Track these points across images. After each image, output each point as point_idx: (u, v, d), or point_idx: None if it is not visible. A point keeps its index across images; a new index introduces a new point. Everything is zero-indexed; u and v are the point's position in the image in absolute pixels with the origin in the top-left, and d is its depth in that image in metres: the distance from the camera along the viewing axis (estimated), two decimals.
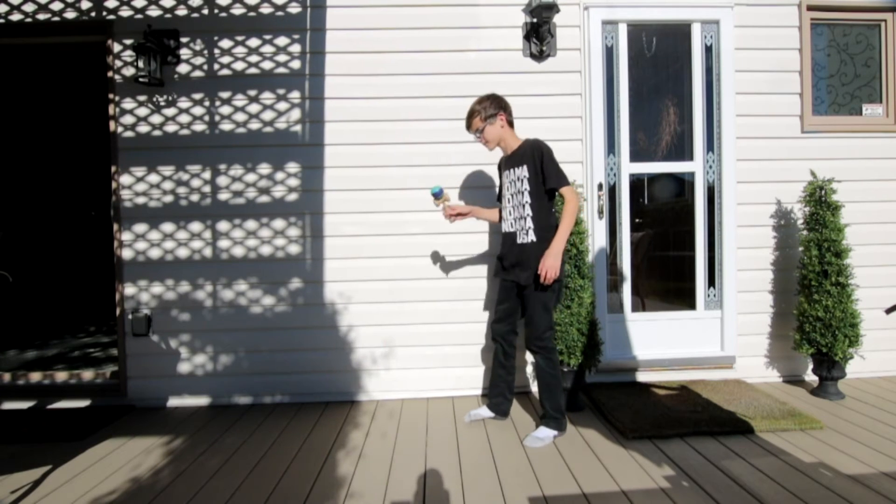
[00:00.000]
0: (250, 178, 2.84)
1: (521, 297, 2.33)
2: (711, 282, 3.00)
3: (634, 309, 3.02)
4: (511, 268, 2.33)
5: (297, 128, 2.86)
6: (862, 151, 3.01)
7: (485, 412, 2.47)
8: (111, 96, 2.83)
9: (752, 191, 2.97)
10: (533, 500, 1.74)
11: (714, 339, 3.00)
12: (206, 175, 2.84)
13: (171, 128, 2.83)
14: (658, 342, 2.98)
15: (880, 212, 3.01)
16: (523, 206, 2.25)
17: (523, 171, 2.25)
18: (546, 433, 2.22)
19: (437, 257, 2.88)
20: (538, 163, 2.21)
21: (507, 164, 2.37)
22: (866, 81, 3.11)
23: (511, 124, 2.36)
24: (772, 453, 2.05)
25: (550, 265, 2.10)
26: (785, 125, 2.99)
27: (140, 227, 2.82)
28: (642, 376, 2.94)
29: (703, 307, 3.00)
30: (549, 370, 2.24)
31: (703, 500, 1.70)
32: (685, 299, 3.04)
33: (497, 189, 2.58)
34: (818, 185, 2.71)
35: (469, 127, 2.35)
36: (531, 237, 2.24)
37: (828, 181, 2.70)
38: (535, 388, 2.90)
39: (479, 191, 2.88)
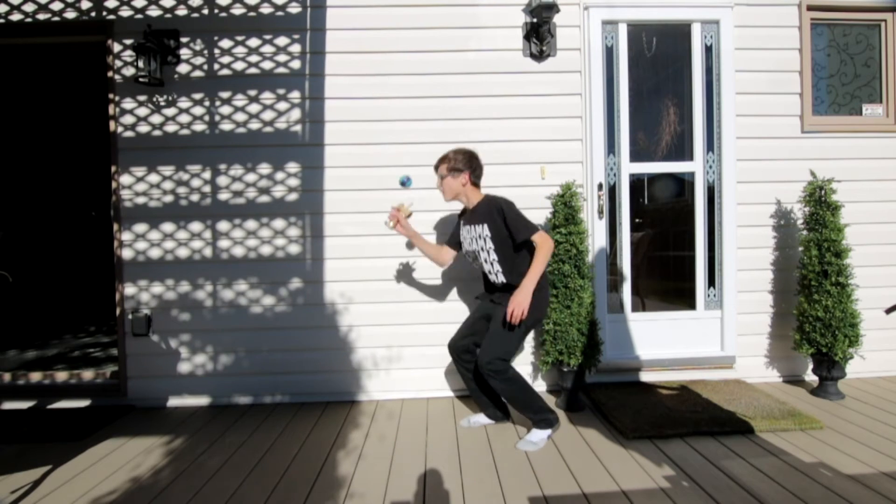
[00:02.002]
0: (250, 177, 2.84)
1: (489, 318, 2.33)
2: (711, 282, 3.00)
3: (634, 309, 3.01)
4: (488, 296, 2.39)
5: (297, 128, 2.86)
6: (862, 151, 3.01)
7: (483, 419, 2.46)
8: (111, 96, 2.83)
9: (752, 191, 2.97)
10: (533, 500, 1.74)
11: (714, 339, 3.00)
12: (206, 175, 2.84)
13: (171, 128, 2.83)
14: (658, 342, 2.98)
15: (880, 212, 3.01)
16: (491, 262, 2.28)
17: (484, 230, 2.25)
18: (539, 436, 2.20)
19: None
20: (499, 221, 2.21)
21: (467, 219, 2.38)
22: (866, 81, 3.11)
23: (476, 184, 2.36)
24: (772, 453, 2.05)
25: (518, 303, 2.09)
26: (785, 125, 2.99)
27: (140, 227, 2.82)
28: (642, 376, 2.94)
29: (703, 307, 3.00)
30: (510, 387, 2.17)
31: (703, 500, 1.71)
32: (685, 299, 3.04)
33: (451, 233, 2.54)
34: (818, 185, 2.71)
35: (436, 168, 2.38)
36: (501, 279, 2.27)
37: (828, 181, 2.70)
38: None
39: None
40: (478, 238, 2.28)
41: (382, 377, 2.88)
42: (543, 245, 2.15)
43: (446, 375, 2.89)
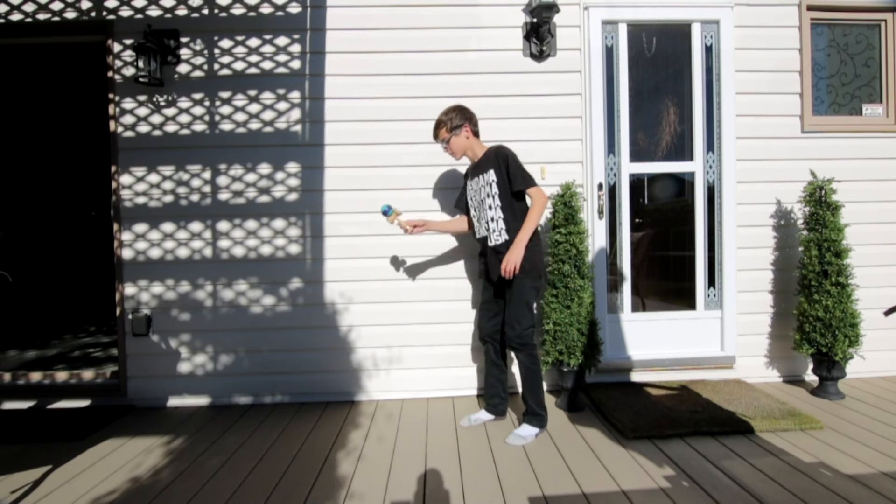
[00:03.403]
0: (250, 177, 2.84)
1: (503, 297, 2.37)
2: (711, 282, 3.00)
3: (634, 309, 3.01)
4: (489, 268, 2.39)
5: (297, 128, 2.86)
6: (862, 151, 3.01)
7: (484, 415, 2.47)
8: (111, 96, 2.83)
9: (752, 191, 2.97)
10: (533, 500, 1.74)
11: (714, 339, 3.00)
12: (206, 175, 2.84)
13: (171, 128, 2.83)
14: (658, 342, 2.98)
15: (880, 212, 3.01)
16: (493, 208, 2.30)
17: (490, 176, 2.30)
18: (528, 431, 2.25)
19: (437, 257, 2.88)
20: (503, 167, 2.27)
21: (473, 171, 2.42)
22: (866, 81, 3.11)
23: (476, 134, 2.41)
24: (772, 453, 2.05)
25: (512, 259, 2.16)
26: (785, 125, 2.99)
27: (140, 227, 2.82)
28: (642, 376, 2.94)
29: (703, 307, 3.00)
30: (532, 366, 2.28)
31: (703, 500, 1.71)
32: (685, 299, 3.04)
33: (458, 195, 2.61)
34: (818, 185, 2.71)
35: (436, 137, 2.41)
36: (504, 237, 2.29)
37: (828, 181, 2.69)
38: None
39: None
40: (484, 185, 2.33)
41: (382, 377, 2.88)
42: (538, 198, 2.23)
43: (446, 376, 2.89)
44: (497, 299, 2.43)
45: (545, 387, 2.92)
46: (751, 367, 3.00)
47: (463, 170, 2.84)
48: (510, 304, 2.29)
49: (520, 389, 2.64)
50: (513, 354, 2.76)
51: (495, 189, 2.29)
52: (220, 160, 2.84)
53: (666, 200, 3.13)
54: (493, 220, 2.31)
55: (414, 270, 2.89)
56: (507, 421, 2.47)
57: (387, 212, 2.42)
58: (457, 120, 2.35)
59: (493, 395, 2.47)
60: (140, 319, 2.80)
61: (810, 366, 2.86)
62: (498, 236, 2.30)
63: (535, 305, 2.33)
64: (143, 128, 2.83)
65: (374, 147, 2.85)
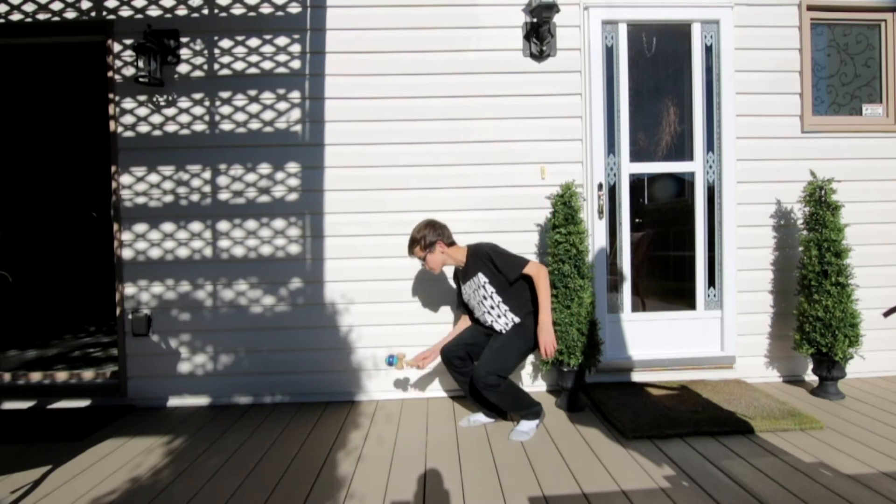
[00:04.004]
0: (250, 177, 2.84)
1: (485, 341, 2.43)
2: (711, 282, 3.00)
3: (634, 309, 3.01)
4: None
5: (298, 128, 2.86)
6: (862, 151, 3.01)
7: (482, 418, 2.47)
8: (111, 96, 2.83)
9: (752, 191, 2.97)
10: (533, 500, 1.74)
11: (714, 339, 3.00)
12: (206, 175, 2.84)
13: (171, 128, 2.83)
14: (658, 342, 2.98)
15: (880, 212, 3.01)
16: (495, 306, 2.36)
17: (481, 279, 2.35)
18: (528, 426, 2.30)
19: None
20: (491, 266, 2.32)
21: (464, 276, 2.46)
22: (866, 81, 3.11)
23: (452, 244, 2.42)
24: (772, 453, 2.05)
25: (548, 340, 2.24)
26: (785, 125, 2.99)
27: (140, 227, 2.82)
28: (642, 376, 2.94)
29: (703, 307, 3.00)
30: (500, 398, 2.27)
31: (703, 500, 1.70)
32: (685, 299, 3.04)
33: (456, 297, 2.63)
34: (818, 185, 2.71)
35: (411, 253, 2.42)
36: (513, 322, 2.35)
37: (828, 181, 2.69)
38: (525, 382, 2.91)
39: (475, 190, 2.88)
40: (479, 288, 2.37)
41: (382, 377, 2.88)
42: (539, 276, 2.27)
43: (446, 376, 2.88)
44: (478, 335, 2.45)
45: (545, 387, 2.93)
46: (751, 367, 3.00)
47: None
48: (497, 344, 2.31)
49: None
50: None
51: (490, 288, 2.34)
52: (220, 160, 2.84)
53: (666, 200, 3.13)
54: (498, 314, 2.36)
55: (414, 270, 2.88)
56: (506, 422, 2.47)
57: (391, 362, 2.48)
58: (430, 237, 2.36)
59: (483, 403, 2.45)
60: (140, 319, 2.80)
61: (810, 366, 2.86)
62: (506, 323, 2.37)
63: (515, 362, 2.31)
64: (143, 128, 2.83)
65: (373, 147, 2.85)
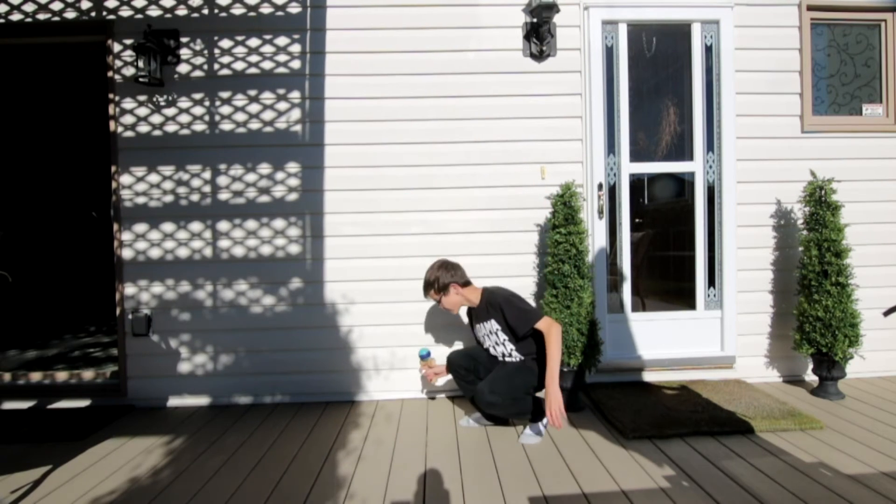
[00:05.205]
0: (250, 177, 2.84)
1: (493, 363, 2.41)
2: (711, 282, 3.00)
3: (634, 309, 3.01)
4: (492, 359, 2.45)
5: (297, 128, 2.86)
6: (862, 151, 3.01)
7: (483, 418, 2.47)
8: (111, 96, 2.83)
9: (752, 191, 2.97)
10: (533, 500, 1.74)
11: (714, 339, 3.00)
12: (206, 175, 2.84)
13: (171, 128, 2.83)
14: (658, 342, 2.98)
15: (880, 212, 3.01)
16: (508, 352, 2.35)
17: (493, 325, 2.34)
18: (536, 428, 2.29)
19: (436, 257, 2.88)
20: (501, 316, 2.28)
21: (476, 317, 2.45)
22: (866, 81, 3.11)
23: (467, 284, 2.41)
24: (772, 453, 2.05)
25: (554, 405, 2.07)
26: (785, 125, 2.99)
27: (140, 227, 2.82)
28: (642, 376, 2.94)
29: (703, 307, 3.00)
30: (502, 412, 2.29)
31: (703, 500, 1.70)
32: (685, 299, 3.04)
33: (474, 336, 2.58)
34: (818, 185, 2.71)
35: (426, 295, 2.43)
36: (516, 358, 2.35)
37: (828, 181, 2.69)
38: None
39: (475, 190, 2.88)
40: (490, 333, 2.37)
41: (382, 377, 2.88)
42: (550, 333, 2.16)
43: (446, 376, 2.88)
44: (483, 354, 2.44)
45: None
46: (751, 366, 3.00)
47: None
48: (503, 369, 2.29)
49: None
50: None
51: (503, 336, 2.32)
52: (220, 160, 2.84)
53: (666, 200, 3.13)
54: (509, 351, 2.35)
55: (414, 270, 2.88)
56: (507, 422, 2.47)
57: (426, 356, 2.53)
58: (444, 279, 2.34)
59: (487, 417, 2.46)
60: (140, 319, 2.80)
61: (810, 366, 2.86)
62: (511, 359, 2.37)
63: (521, 391, 2.26)
64: (143, 128, 2.83)
65: (374, 147, 2.85)
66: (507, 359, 2.38)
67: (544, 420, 2.28)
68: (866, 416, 2.43)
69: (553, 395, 2.10)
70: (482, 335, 2.43)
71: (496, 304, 2.30)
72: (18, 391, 2.89)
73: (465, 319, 2.71)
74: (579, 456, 2.07)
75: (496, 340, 2.35)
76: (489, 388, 2.18)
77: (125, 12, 2.82)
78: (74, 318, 5.10)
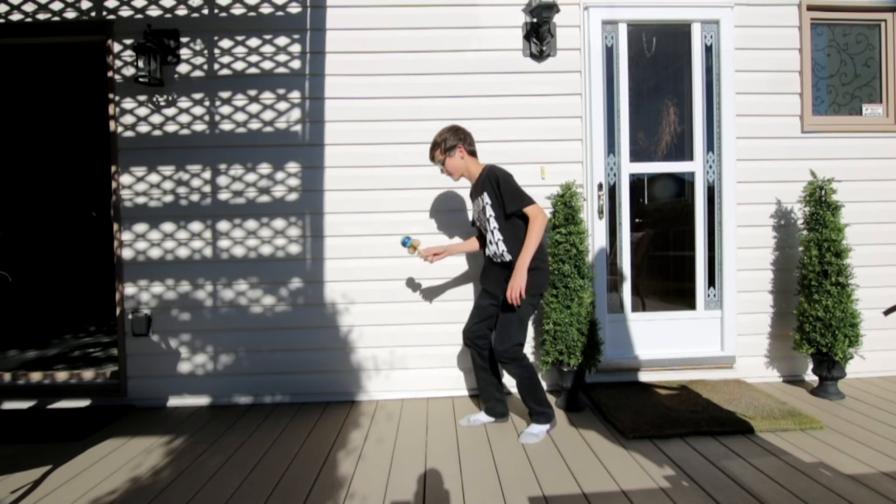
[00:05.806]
0: (250, 177, 2.84)
1: (497, 304, 2.35)
2: (711, 282, 3.00)
3: (634, 309, 3.01)
4: (486, 276, 2.41)
5: (298, 128, 2.86)
6: (862, 151, 3.01)
7: (483, 417, 2.47)
8: (111, 96, 2.83)
9: (752, 191, 2.97)
10: (533, 500, 1.74)
11: (714, 339, 3.00)
12: (206, 175, 2.84)
13: (171, 128, 2.83)
14: (658, 342, 2.98)
15: (880, 212, 3.01)
16: (492, 231, 2.28)
17: (485, 199, 2.28)
18: (538, 429, 2.27)
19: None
20: (496, 189, 2.23)
21: (473, 192, 2.42)
22: (866, 81, 3.11)
23: (473, 153, 2.37)
24: (772, 453, 2.05)
25: (516, 286, 2.11)
26: (785, 125, 2.99)
27: (140, 227, 2.82)
28: (642, 376, 2.94)
29: (703, 307, 3.00)
30: (524, 375, 2.27)
31: (703, 500, 1.71)
32: (685, 299, 3.04)
33: (469, 214, 2.58)
34: (818, 185, 2.71)
35: (432, 158, 2.39)
36: (507, 257, 2.25)
37: (828, 181, 2.69)
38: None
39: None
40: (481, 210, 2.32)
41: (382, 377, 2.88)
42: (535, 219, 2.14)
43: (446, 376, 2.88)
44: (489, 306, 2.40)
45: (545, 387, 2.93)
46: (751, 366, 3.00)
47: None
48: (504, 317, 2.27)
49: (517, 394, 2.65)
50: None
51: (491, 211, 2.26)
52: (220, 160, 2.84)
53: (666, 200, 3.13)
54: (496, 240, 2.29)
55: (414, 270, 2.88)
56: (507, 422, 2.47)
57: (405, 242, 2.44)
58: (451, 141, 2.31)
59: (489, 398, 2.46)
60: (140, 319, 2.80)
61: (810, 366, 2.86)
62: (502, 256, 2.28)
63: (530, 320, 2.30)
64: (143, 128, 2.83)
65: (374, 147, 2.85)
66: (489, 246, 2.32)
67: (547, 427, 2.29)
68: (866, 416, 2.43)
69: (518, 277, 2.11)
70: (476, 213, 2.41)
71: (494, 176, 2.24)
72: (18, 391, 2.89)
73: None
74: (579, 456, 2.07)
75: (486, 215, 2.27)
76: (503, 344, 2.22)
77: (125, 12, 2.82)
78: (74, 318, 5.10)
